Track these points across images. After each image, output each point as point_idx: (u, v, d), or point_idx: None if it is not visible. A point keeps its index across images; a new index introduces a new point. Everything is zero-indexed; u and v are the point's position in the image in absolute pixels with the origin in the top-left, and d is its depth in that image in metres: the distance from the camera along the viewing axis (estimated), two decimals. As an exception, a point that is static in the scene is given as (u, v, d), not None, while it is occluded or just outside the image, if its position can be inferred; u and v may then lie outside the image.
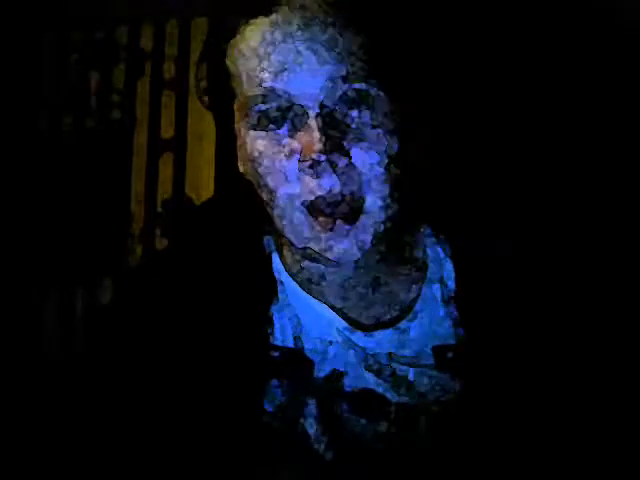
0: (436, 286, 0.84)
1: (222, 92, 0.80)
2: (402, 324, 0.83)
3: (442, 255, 0.86)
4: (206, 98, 0.85)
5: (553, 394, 0.79)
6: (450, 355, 0.81)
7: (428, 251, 0.86)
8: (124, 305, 0.89)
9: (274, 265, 0.85)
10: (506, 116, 1.18)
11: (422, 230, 0.87)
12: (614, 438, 0.79)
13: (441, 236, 0.87)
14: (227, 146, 0.83)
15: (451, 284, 0.84)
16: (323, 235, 0.75)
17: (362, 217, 0.75)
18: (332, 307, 0.83)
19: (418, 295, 0.84)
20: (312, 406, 0.80)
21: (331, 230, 0.75)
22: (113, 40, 1.54)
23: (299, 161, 0.74)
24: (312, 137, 0.72)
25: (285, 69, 0.73)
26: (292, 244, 0.79)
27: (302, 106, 0.73)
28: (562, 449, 0.78)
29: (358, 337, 0.82)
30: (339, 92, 0.73)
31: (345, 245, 0.75)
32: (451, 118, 1.07)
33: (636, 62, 1.15)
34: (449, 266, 0.85)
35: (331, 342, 0.82)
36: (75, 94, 1.57)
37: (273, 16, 0.74)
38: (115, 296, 1.11)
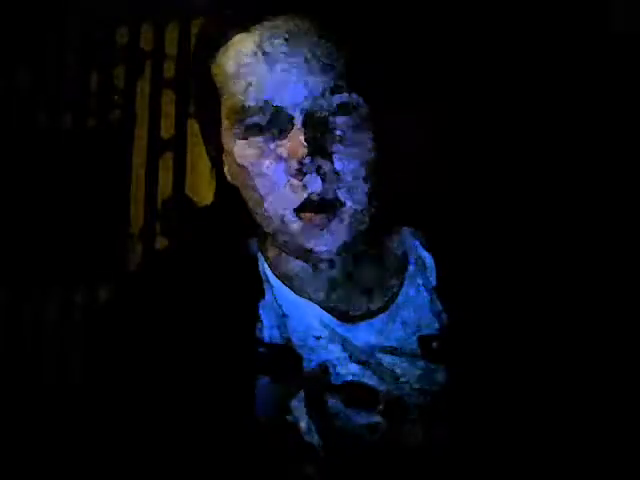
0: (418, 279, 0.88)
1: (207, 101, 0.83)
2: (386, 315, 0.86)
3: (421, 249, 0.89)
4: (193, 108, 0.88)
5: (539, 383, 0.81)
6: (435, 345, 0.84)
7: (409, 246, 0.89)
8: (120, 305, 0.91)
9: (260, 265, 0.88)
10: (482, 117, 1.19)
11: (401, 227, 0.91)
12: (600, 419, 0.80)
13: (419, 232, 0.90)
14: (213, 153, 0.86)
15: (432, 277, 0.88)
16: (307, 232, 0.79)
17: (342, 217, 0.79)
18: (317, 302, 0.86)
19: (401, 288, 0.87)
20: (301, 400, 0.82)
21: (315, 226, 0.79)
22: (113, 40, 1.54)
23: (285, 165, 0.78)
24: (298, 142, 0.76)
25: (271, 81, 0.77)
26: (279, 243, 0.83)
27: (288, 114, 0.77)
28: (551, 438, 0.80)
29: (344, 330, 0.85)
30: (323, 101, 0.77)
31: (327, 241, 0.79)
32: (432, 121, 1.09)
33: (633, 62, 1.16)
34: (429, 259, 0.88)
35: (319, 337, 0.85)
36: (75, 94, 1.57)
37: (259, 29, 0.78)
38: (111, 298, 1.12)
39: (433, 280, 0.87)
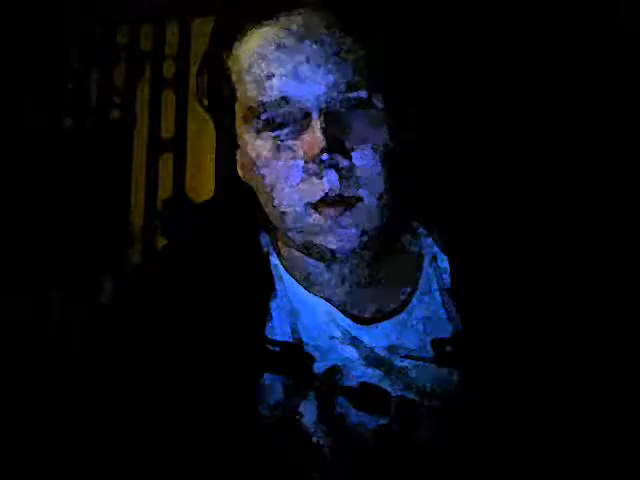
0: (433, 280, 0.87)
1: (222, 95, 0.82)
2: (400, 317, 0.85)
3: (437, 250, 0.88)
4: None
5: (553, 388, 0.81)
6: (449, 348, 0.83)
7: (423, 246, 0.89)
8: (125, 303, 0.90)
9: (272, 262, 0.87)
10: (498, 115, 1.19)
11: (416, 227, 0.89)
12: (613, 427, 0.80)
13: (435, 232, 0.89)
14: (227, 148, 0.84)
15: (447, 278, 0.87)
16: (323, 228, 0.78)
17: (359, 213, 0.77)
18: (330, 302, 0.85)
19: (415, 289, 0.86)
20: (311, 400, 0.81)
21: (330, 223, 0.77)
22: (113, 40, 1.54)
23: (302, 162, 0.76)
24: (315, 138, 0.75)
25: (288, 76, 0.76)
26: (292, 241, 0.81)
27: (305, 110, 0.76)
28: (562, 444, 0.79)
29: (357, 331, 0.84)
30: (341, 97, 0.76)
31: (342, 237, 0.78)
32: (447, 120, 1.08)
33: (632, 61, 1.16)
34: (445, 261, 0.87)
35: (332, 337, 0.84)
36: (75, 94, 1.57)
37: (276, 23, 0.77)
38: (115, 294, 1.12)
39: (448, 282, 0.86)
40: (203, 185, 1.50)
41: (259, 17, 0.78)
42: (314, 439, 0.81)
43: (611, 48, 1.17)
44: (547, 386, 0.80)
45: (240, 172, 0.84)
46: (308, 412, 0.81)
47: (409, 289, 0.86)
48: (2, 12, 1.51)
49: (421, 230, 0.90)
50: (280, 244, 0.87)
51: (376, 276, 0.85)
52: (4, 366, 1.45)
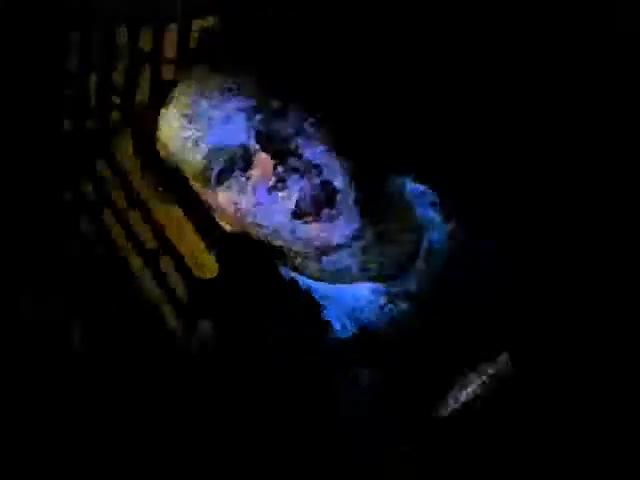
0: (432, 233, 0.92)
1: (176, 182, 0.89)
2: (418, 265, 0.91)
3: (431, 210, 0.94)
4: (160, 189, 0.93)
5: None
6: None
7: (417, 206, 0.94)
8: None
9: (301, 282, 0.93)
10: (486, 117, 1.19)
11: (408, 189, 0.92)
12: (606, 426, 0.81)
13: (434, 199, 0.94)
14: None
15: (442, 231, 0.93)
16: (315, 231, 0.82)
17: (339, 197, 0.82)
18: (355, 280, 0.90)
19: (420, 242, 0.92)
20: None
21: (319, 223, 0.82)
22: (113, 40, 1.54)
23: (267, 186, 0.82)
24: (265, 163, 0.81)
25: (209, 130, 0.82)
26: (297, 254, 0.87)
27: (242, 147, 0.82)
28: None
29: (389, 286, 0.90)
30: (263, 117, 0.83)
31: (336, 230, 0.83)
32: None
33: (631, 62, 1.16)
34: (437, 219, 0.93)
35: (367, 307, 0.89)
36: (75, 95, 1.57)
37: (173, 100, 0.86)
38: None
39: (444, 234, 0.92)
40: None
41: (160, 103, 0.87)
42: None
43: (615, 49, 1.18)
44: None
45: (227, 227, 0.90)
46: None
47: (415, 243, 0.91)
48: (2, 12, 1.51)
49: (418, 198, 0.94)
50: (289, 261, 0.93)
51: (380, 258, 0.90)
52: (4, 366, 1.46)
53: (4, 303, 1.52)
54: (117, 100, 1.56)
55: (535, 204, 0.93)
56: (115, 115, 1.57)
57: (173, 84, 0.87)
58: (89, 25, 1.51)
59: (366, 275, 0.89)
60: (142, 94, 1.55)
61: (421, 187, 0.94)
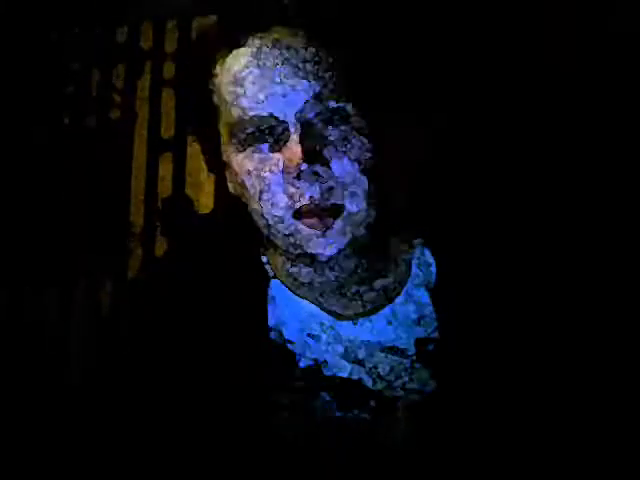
0: (421, 281, 0.89)
1: (207, 117, 0.86)
2: (385, 314, 0.87)
3: (425, 250, 0.91)
4: (191, 129, 0.90)
5: (532, 389, 0.82)
6: (431, 347, 0.86)
7: (415, 250, 0.91)
8: (128, 309, 0.92)
9: (265, 268, 0.91)
10: (480, 117, 1.19)
11: (409, 235, 0.92)
12: (598, 439, 0.81)
13: (428, 241, 0.91)
14: (216, 168, 0.87)
15: (434, 277, 0.89)
16: (308, 237, 0.81)
17: (342, 221, 0.81)
18: (315, 302, 0.88)
19: (402, 288, 0.89)
20: (288, 397, 0.84)
21: (315, 231, 0.81)
22: (113, 40, 1.54)
23: (284, 173, 0.80)
24: (294, 150, 0.79)
25: (266, 93, 0.80)
26: (281, 249, 0.85)
27: (284, 124, 0.80)
28: (541, 443, 0.81)
29: (341, 327, 0.87)
30: (317, 109, 0.80)
31: (327, 244, 0.81)
32: (425, 129, 1.09)
33: (632, 62, 1.16)
34: (432, 261, 0.90)
35: (314, 335, 0.87)
36: (75, 94, 1.57)
37: (251, 44, 0.81)
38: (117, 301, 1.13)
39: (434, 281, 0.88)
40: (203, 185, 1.50)
41: (235, 38, 0.82)
42: (292, 433, 0.83)
43: (608, 49, 1.18)
44: (526, 390, 0.82)
45: (230, 187, 0.88)
46: (287, 406, 0.83)
47: (396, 288, 0.89)
48: (2, 12, 1.51)
49: (417, 241, 0.92)
50: (270, 250, 0.91)
51: (363, 275, 0.88)
52: (4, 366, 1.46)
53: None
54: (117, 100, 1.56)
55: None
56: (115, 114, 1.57)
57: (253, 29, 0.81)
58: (89, 25, 1.52)
59: (322, 301, 0.88)
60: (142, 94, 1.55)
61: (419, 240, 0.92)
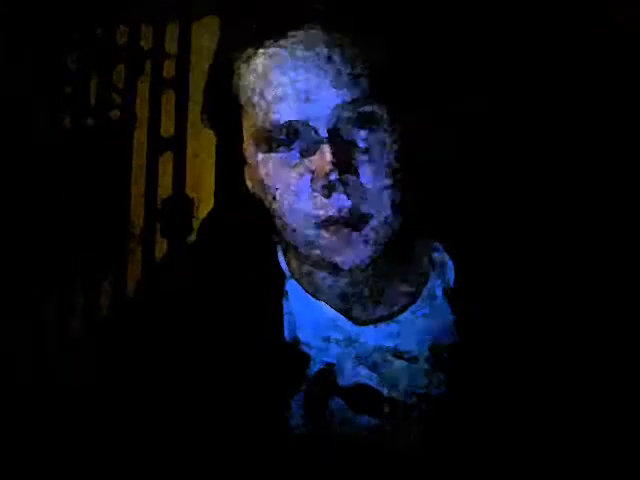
0: (439, 287, 0.87)
1: (229, 114, 0.82)
2: (402, 319, 0.85)
3: (445, 255, 0.89)
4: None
5: (546, 395, 0.81)
6: (446, 355, 0.84)
7: (431, 251, 0.89)
8: (143, 303, 0.91)
9: (282, 267, 0.88)
10: (503, 128, 1.19)
11: (430, 242, 0.90)
12: (608, 445, 0.80)
13: (446, 245, 0.90)
14: (231, 162, 0.85)
15: (452, 282, 0.87)
16: (332, 246, 0.79)
17: (367, 230, 0.78)
18: (332, 305, 0.86)
19: (420, 292, 0.87)
20: (300, 400, 0.82)
21: (340, 241, 0.78)
22: (113, 40, 1.54)
23: (312, 181, 0.77)
24: (325, 159, 0.75)
25: (296, 97, 0.76)
26: (301, 255, 0.82)
27: (314, 129, 0.76)
28: (554, 449, 0.80)
29: (356, 331, 0.85)
30: (348, 114, 0.77)
31: (350, 254, 0.79)
32: (452, 133, 1.08)
33: (632, 55, 1.16)
34: (451, 266, 0.88)
35: (328, 338, 0.85)
36: (75, 94, 1.57)
37: (280, 43, 0.77)
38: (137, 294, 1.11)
39: (452, 285, 0.87)
40: (203, 185, 1.50)
41: (263, 38, 0.78)
42: (305, 437, 0.82)
43: (608, 42, 1.17)
44: (542, 395, 0.81)
45: (249, 185, 0.85)
46: (295, 411, 0.82)
47: (414, 293, 0.87)
48: (2, 12, 1.51)
49: (435, 245, 0.90)
50: (286, 249, 0.88)
51: (381, 281, 0.86)
52: (4, 366, 1.46)
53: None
54: (117, 100, 1.56)
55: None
56: (115, 115, 1.57)
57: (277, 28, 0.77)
58: (89, 25, 1.52)
59: (340, 305, 0.86)
60: (142, 94, 1.55)
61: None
